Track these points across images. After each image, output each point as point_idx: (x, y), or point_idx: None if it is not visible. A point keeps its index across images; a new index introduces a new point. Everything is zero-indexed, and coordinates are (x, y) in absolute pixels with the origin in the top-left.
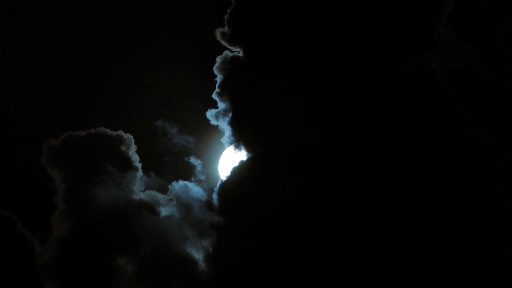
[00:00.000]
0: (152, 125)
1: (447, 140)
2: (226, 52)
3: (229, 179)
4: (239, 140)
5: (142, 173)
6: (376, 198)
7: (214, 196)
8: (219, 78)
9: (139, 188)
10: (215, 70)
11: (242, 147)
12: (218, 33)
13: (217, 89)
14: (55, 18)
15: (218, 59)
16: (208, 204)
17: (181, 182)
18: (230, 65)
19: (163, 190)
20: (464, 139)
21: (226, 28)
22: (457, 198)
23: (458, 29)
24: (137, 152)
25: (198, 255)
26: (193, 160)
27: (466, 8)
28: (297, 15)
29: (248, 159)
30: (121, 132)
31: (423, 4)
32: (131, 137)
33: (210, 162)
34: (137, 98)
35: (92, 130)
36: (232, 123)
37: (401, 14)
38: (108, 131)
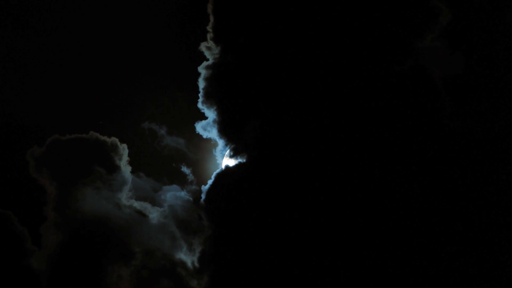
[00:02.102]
0: (142, 126)
1: (437, 135)
2: (209, 58)
3: (217, 186)
4: (230, 149)
5: (132, 186)
6: (369, 199)
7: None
8: (202, 88)
9: (130, 196)
10: (200, 82)
11: (234, 155)
12: (203, 47)
13: (201, 98)
14: (41, 22)
15: (202, 70)
16: (199, 212)
17: (171, 193)
18: (213, 73)
19: (154, 191)
20: (453, 133)
21: (211, 43)
22: (451, 194)
23: (452, 40)
24: (127, 152)
25: (190, 263)
26: (184, 169)
27: (462, 21)
28: (281, 19)
29: (237, 166)
30: (115, 140)
31: (420, 13)
32: (126, 146)
33: (203, 165)
34: (126, 100)
35: (84, 135)
36: (221, 134)
37: (396, 19)
38: (101, 136)
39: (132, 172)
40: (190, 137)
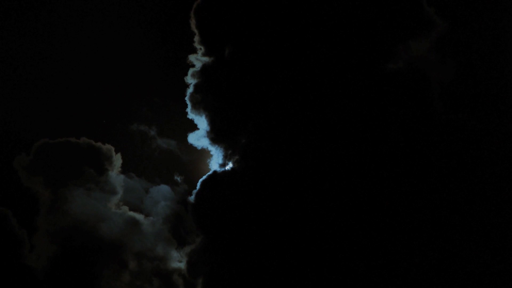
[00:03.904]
0: (131, 128)
1: (429, 133)
2: (196, 65)
3: (203, 194)
4: (225, 157)
5: (123, 187)
6: (363, 204)
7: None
8: (189, 98)
9: (121, 204)
10: (187, 98)
11: (225, 163)
12: (193, 58)
13: (189, 107)
14: (28, 26)
15: (190, 79)
16: (189, 222)
17: (162, 203)
18: (201, 81)
19: (145, 191)
20: (447, 131)
21: (201, 57)
22: (447, 192)
23: (446, 48)
24: (121, 162)
25: (182, 268)
26: (177, 177)
27: (456, 30)
28: (268, 25)
29: (224, 172)
30: (109, 147)
31: (415, 21)
32: (119, 156)
33: (195, 167)
34: (115, 102)
35: (76, 140)
36: (214, 144)
37: (389, 24)
38: (93, 142)
39: (123, 172)
40: (182, 139)
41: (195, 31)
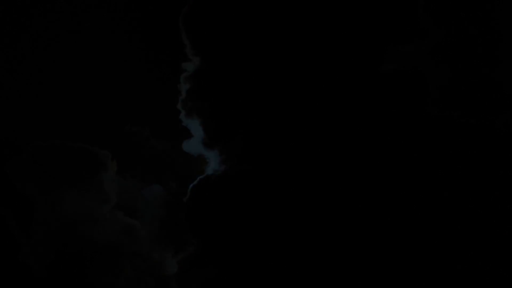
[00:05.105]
0: (129, 129)
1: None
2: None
3: (195, 199)
4: (220, 162)
5: (117, 187)
6: (360, 211)
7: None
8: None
9: (116, 209)
10: (180, 105)
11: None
12: (187, 66)
13: (183, 112)
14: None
15: (183, 85)
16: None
17: (158, 206)
18: (193, 86)
19: (139, 192)
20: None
21: (193, 64)
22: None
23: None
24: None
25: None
26: (172, 182)
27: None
28: (261, 28)
29: (216, 176)
30: (107, 153)
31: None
32: (115, 163)
33: (191, 167)
34: (108, 104)
35: (70, 143)
36: (210, 150)
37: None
38: (90, 147)
39: (118, 173)
40: (178, 141)
41: (186, 42)
